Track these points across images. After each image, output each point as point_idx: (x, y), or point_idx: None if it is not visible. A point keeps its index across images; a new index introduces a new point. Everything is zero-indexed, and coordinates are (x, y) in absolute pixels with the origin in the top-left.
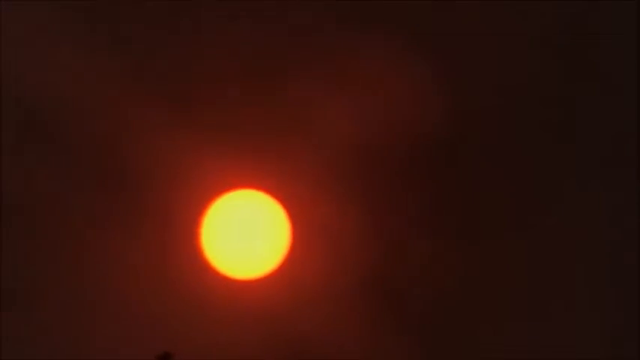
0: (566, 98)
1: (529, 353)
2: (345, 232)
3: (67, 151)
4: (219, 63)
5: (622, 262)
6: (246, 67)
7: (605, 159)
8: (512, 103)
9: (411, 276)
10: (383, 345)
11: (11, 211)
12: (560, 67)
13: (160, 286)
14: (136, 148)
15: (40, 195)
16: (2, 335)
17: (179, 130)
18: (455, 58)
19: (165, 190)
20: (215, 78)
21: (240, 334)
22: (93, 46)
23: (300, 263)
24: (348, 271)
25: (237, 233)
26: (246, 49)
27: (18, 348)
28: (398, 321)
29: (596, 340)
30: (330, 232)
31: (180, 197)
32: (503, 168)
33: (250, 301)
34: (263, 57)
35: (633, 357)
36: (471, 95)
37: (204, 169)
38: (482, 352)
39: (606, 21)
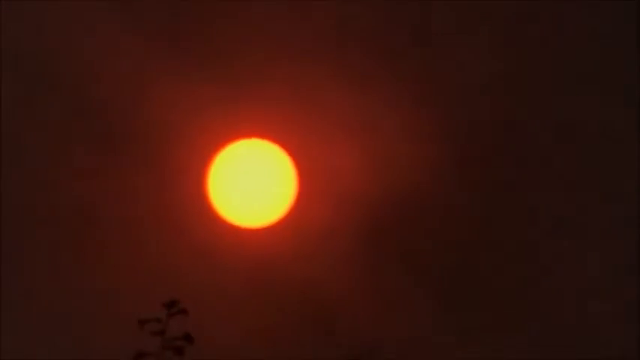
0: (567, 98)
1: (529, 353)
2: (351, 182)
3: (74, 102)
4: (228, 17)
5: (622, 261)
6: (255, 23)
7: (605, 159)
8: (513, 103)
9: (414, 228)
10: (387, 292)
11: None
12: (559, 67)
13: (167, 234)
14: (142, 100)
15: (45, 152)
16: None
17: (186, 80)
18: (455, 53)
19: (173, 139)
20: (223, 31)
21: (246, 282)
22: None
23: (306, 212)
24: (353, 220)
25: (244, 182)
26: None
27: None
28: (401, 269)
29: (596, 340)
30: (336, 181)
31: (188, 146)
32: (503, 168)
33: (257, 249)
34: (269, 15)
35: (633, 357)
36: (472, 93)
37: (212, 119)
38: (483, 350)
39: (606, 21)
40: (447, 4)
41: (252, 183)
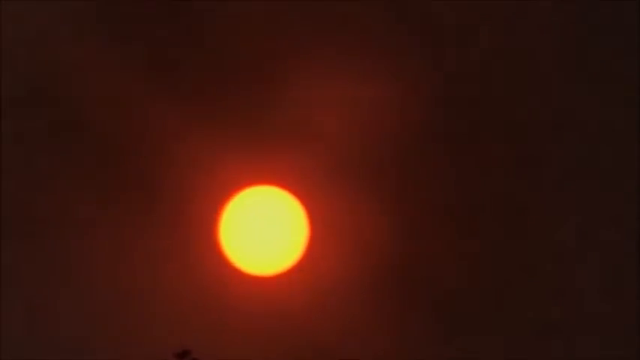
0: (567, 98)
1: (529, 353)
2: (364, 229)
3: (81, 147)
4: (234, 61)
5: (622, 262)
6: (259, 66)
7: (605, 159)
8: (512, 102)
9: (433, 271)
10: (402, 341)
11: (13, 220)
12: (561, 66)
13: (178, 282)
14: (152, 144)
15: (51, 194)
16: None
17: (197, 126)
18: (451, 47)
19: (184, 186)
20: (231, 77)
21: (258, 331)
22: (106, 45)
23: (319, 260)
24: (367, 268)
25: (255, 229)
26: (257, 47)
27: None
28: (420, 317)
29: (596, 340)
30: (348, 228)
31: (198, 193)
32: (503, 167)
33: (268, 298)
34: (271, 57)
35: (633, 357)
36: (471, 91)
37: (223, 165)
38: (487, 352)
39: (606, 21)
40: (446, 4)
41: (263, 230)
